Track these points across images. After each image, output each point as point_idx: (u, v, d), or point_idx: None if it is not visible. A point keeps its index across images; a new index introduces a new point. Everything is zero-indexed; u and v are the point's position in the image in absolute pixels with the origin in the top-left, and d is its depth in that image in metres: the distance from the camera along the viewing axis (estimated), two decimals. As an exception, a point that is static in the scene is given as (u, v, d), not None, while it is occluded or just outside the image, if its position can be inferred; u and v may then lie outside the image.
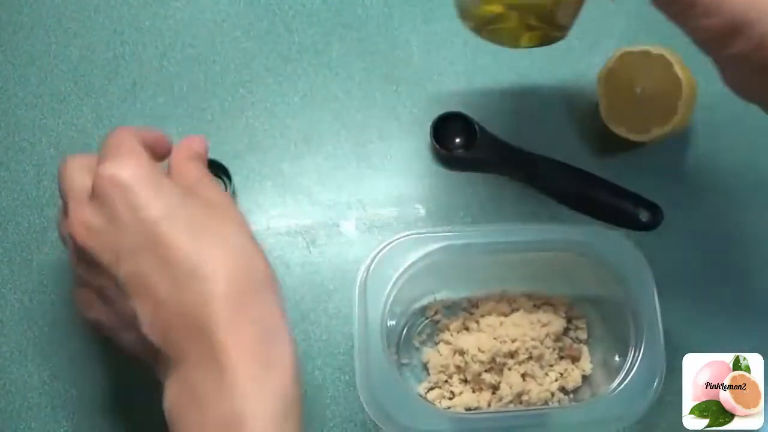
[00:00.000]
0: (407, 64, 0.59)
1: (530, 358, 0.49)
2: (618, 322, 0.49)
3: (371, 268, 0.47)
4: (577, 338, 0.52)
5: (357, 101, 0.58)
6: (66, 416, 0.50)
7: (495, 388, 0.49)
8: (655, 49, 0.54)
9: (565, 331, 0.51)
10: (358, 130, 0.57)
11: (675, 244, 0.55)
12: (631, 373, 0.46)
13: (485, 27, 0.47)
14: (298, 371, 0.36)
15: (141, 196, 0.36)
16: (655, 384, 0.45)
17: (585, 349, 0.51)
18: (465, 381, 0.50)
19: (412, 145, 0.57)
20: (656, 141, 0.54)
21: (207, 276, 0.35)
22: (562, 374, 0.50)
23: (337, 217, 0.55)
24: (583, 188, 0.55)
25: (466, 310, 0.52)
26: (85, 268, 0.38)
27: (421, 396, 0.50)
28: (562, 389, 0.50)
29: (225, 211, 0.39)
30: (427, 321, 0.52)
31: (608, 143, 0.57)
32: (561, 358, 0.51)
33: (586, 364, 0.50)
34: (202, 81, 0.58)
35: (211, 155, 0.55)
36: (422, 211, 0.55)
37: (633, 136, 0.55)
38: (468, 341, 0.49)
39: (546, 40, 0.47)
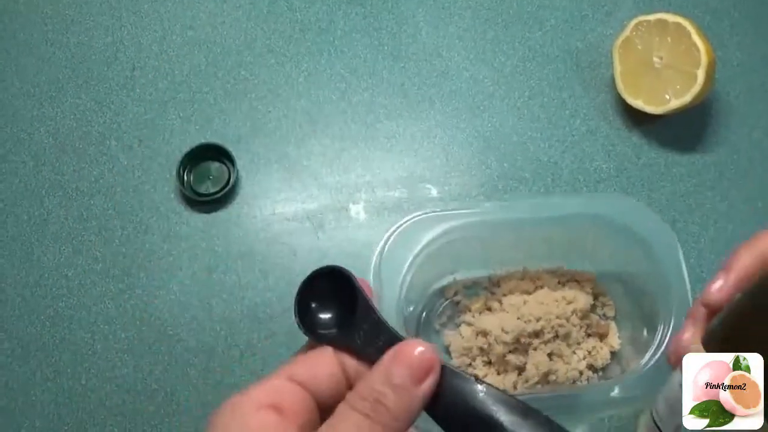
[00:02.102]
0: (414, 40, 0.57)
1: (556, 336, 0.47)
2: (645, 296, 0.46)
3: (384, 251, 0.44)
4: (604, 315, 0.50)
5: (363, 80, 0.56)
6: (69, 413, 0.48)
7: (521, 370, 0.47)
8: (671, 18, 0.53)
9: (592, 307, 0.49)
10: (365, 109, 0.55)
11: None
12: (662, 348, 0.43)
13: None
14: None
15: None
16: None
17: (613, 325, 0.49)
18: (489, 363, 0.48)
19: (422, 124, 0.55)
20: (674, 113, 0.53)
21: None
22: (590, 352, 0.48)
23: (346, 200, 0.53)
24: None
25: (488, 289, 0.50)
26: None
27: (442, 381, 0.48)
28: (591, 367, 0.48)
29: None
30: (446, 302, 0.50)
31: (625, 116, 0.55)
32: (588, 335, 0.48)
33: (614, 341, 0.48)
34: (203, 64, 0.56)
35: (214, 140, 0.54)
36: (433, 192, 0.53)
37: (650, 109, 0.53)
38: (491, 322, 0.47)
39: None
